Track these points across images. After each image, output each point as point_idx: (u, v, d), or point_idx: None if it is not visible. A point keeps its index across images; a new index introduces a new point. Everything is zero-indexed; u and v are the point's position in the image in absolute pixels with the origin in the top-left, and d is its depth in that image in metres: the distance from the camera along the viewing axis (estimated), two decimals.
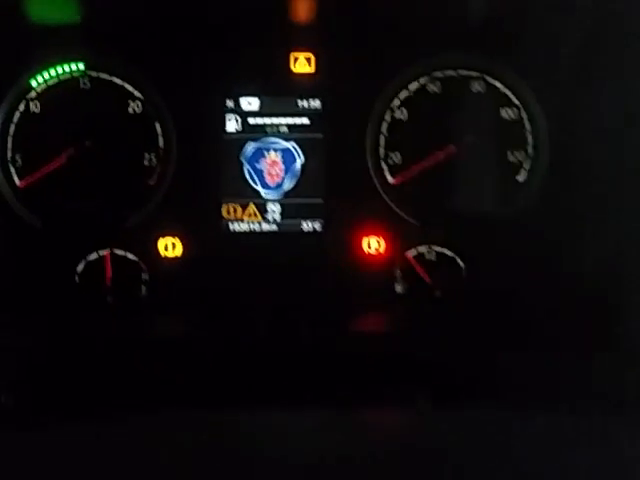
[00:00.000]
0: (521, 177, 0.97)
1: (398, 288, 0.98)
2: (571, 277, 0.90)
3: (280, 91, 0.97)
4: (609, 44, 0.87)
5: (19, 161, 0.96)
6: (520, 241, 0.96)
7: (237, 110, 0.97)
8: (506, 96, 0.97)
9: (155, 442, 0.53)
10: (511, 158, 0.97)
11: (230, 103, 0.97)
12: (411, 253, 0.98)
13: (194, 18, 0.93)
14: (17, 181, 0.96)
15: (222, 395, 0.72)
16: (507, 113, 0.97)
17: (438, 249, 0.98)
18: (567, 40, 0.91)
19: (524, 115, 0.96)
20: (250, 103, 0.97)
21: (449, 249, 0.97)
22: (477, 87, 0.97)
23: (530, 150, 0.97)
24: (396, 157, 0.98)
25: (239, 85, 0.96)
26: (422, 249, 0.98)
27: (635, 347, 0.76)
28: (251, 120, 0.97)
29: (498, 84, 0.97)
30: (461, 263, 0.97)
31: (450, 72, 0.97)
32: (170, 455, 0.50)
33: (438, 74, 0.97)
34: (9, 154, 0.96)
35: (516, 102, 0.96)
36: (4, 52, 0.94)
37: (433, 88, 0.97)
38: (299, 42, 0.96)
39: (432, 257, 0.98)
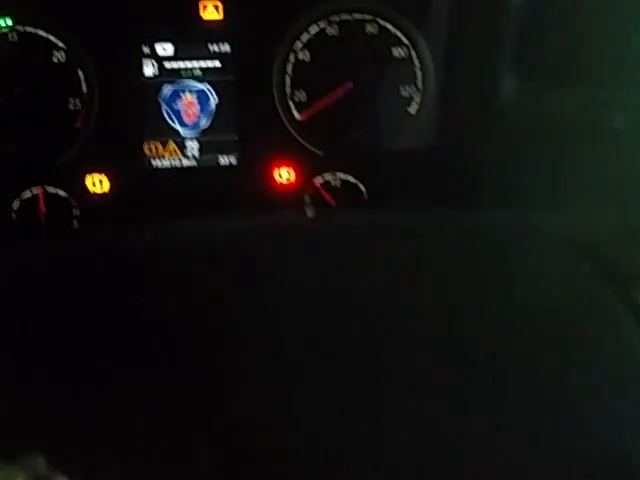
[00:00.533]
0: (412, 109, 1.09)
1: (308, 212, 1.09)
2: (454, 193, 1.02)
3: (192, 37, 1.06)
4: None
5: None
6: (413, 166, 1.08)
7: (153, 55, 1.06)
8: (396, 36, 1.08)
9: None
10: (403, 92, 1.09)
11: (146, 49, 1.05)
12: (318, 181, 1.09)
13: None
14: None
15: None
16: (398, 52, 1.08)
17: (342, 176, 1.09)
18: None
19: (413, 53, 1.08)
20: (165, 49, 1.06)
21: (352, 176, 1.09)
22: (370, 29, 1.08)
23: (420, 85, 1.09)
24: (301, 95, 1.08)
25: (154, 32, 1.05)
26: (328, 177, 1.09)
27: None
28: (167, 64, 1.06)
29: (389, 26, 1.08)
30: (362, 188, 1.09)
31: (346, 16, 1.07)
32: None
33: (335, 18, 1.07)
34: None
35: (406, 41, 1.08)
36: None
37: (331, 31, 1.07)
38: None
39: (337, 184, 1.09)
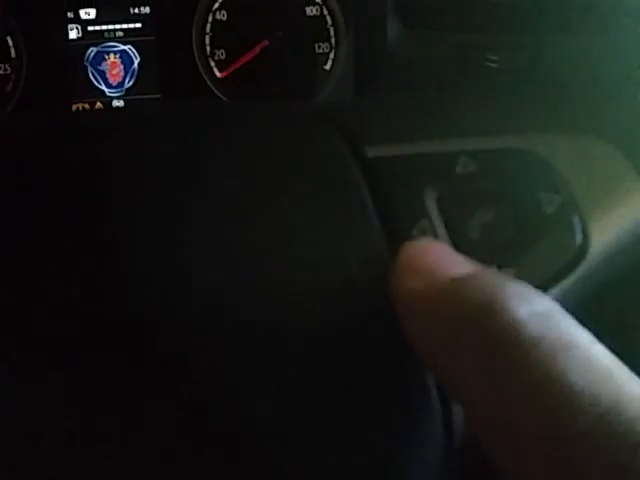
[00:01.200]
0: (327, 66, 1.16)
1: None
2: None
3: (114, 1, 1.12)
4: None
5: None
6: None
7: (77, 20, 1.12)
8: None
9: None
10: (317, 50, 1.16)
11: (70, 14, 1.11)
12: None
13: None
14: None
15: None
16: (311, 10, 1.15)
17: None
18: None
19: (325, 11, 1.14)
20: (88, 13, 1.12)
21: None
22: None
23: (332, 42, 1.15)
24: (221, 53, 1.15)
25: None
26: None
27: None
28: (90, 28, 1.12)
29: None
30: None
31: None
32: None
33: None
34: None
35: (318, 1, 1.14)
36: None
37: None
38: None
39: None
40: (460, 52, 0.93)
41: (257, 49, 1.14)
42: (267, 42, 1.13)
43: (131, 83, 1.13)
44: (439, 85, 0.95)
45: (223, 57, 1.15)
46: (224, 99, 1.14)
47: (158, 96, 1.14)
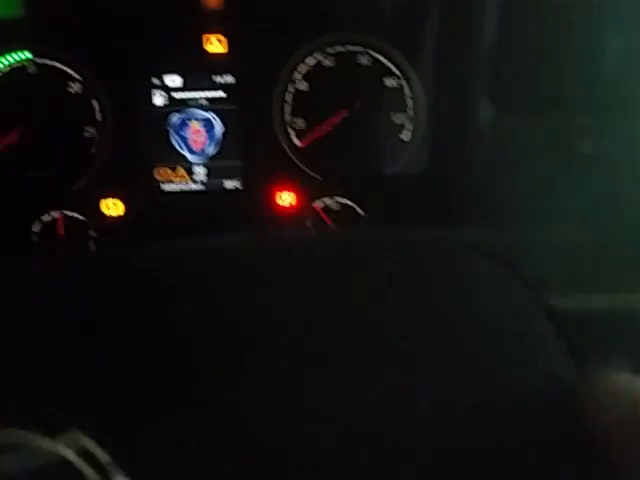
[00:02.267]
0: (405, 136, 1.17)
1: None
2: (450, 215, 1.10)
3: (198, 69, 1.14)
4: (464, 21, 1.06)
5: None
6: (408, 190, 1.16)
7: (162, 86, 1.14)
8: (388, 67, 1.15)
9: None
10: (395, 120, 1.16)
11: (156, 81, 1.14)
12: (318, 204, 1.17)
13: (118, 12, 1.10)
14: None
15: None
16: (390, 82, 1.16)
17: (341, 200, 1.17)
18: (434, 22, 1.10)
19: (404, 83, 1.15)
20: (173, 80, 1.14)
21: (350, 200, 1.17)
22: (364, 60, 1.15)
23: (411, 113, 1.16)
24: (300, 123, 1.16)
25: (163, 65, 1.13)
26: (327, 200, 1.17)
27: None
28: (175, 95, 1.14)
29: (381, 57, 1.15)
30: (360, 211, 1.17)
31: (340, 48, 1.15)
32: None
33: (330, 50, 1.14)
34: None
35: (397, 72, 1.15)
36: None
37: (327, 62, 1.15)
38: (211, 25, 1.13)
39: (336, 207, 1.17)
40: (553, 135, 0.93)
41: (336, 119, 1.15)
42: (346, 112, 1.15)
43: (213, 150, 1.15)
44: (531, 167, 0.95)
45: (302, 126, 1.17)
46: (303, 168, 1.15)
47: (239, 163, 1.15)
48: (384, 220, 1.15)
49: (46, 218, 1.12)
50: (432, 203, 1.12)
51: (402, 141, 1.16)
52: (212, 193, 1.16)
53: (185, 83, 1.14)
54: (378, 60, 1.15)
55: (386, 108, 1.16)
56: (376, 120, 1.16)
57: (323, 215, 1.16)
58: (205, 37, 1.13)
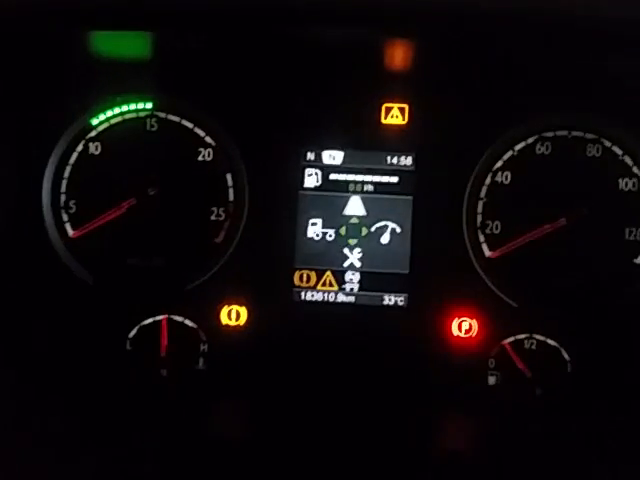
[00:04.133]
0: (639, 259, 0.85)
1: (491, 380, 0.85)
2: None
3: (368, 145, 0.86)
4: None
5: (73, 208, 0.87)
6: (638, 332, 0.84)
7: (318, 164, 0.86)
8: (625, 164, 0.85)
9: None
10: (629, 236, 0.85)
11: (311, 155, 0.86)
12: (508, 340, 0.85)
13: (275, 61, 0.84)
14: (70, 230, 0.87)
15: None
16: (626, 183, 0.85)
17: (540, 338, 0.85)
18: None
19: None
20: (333, 157, 0.86)
21: (553, 338, 0.85)
22: (592, 151, 0.85)
23: None
24: (495, 227, 0.86)
25: (322, 136, 0.86)
26: (521, 336, 0.85)
27: None
28: (332, 176, 0.87)
29: (617, 149, 0.85)
30: (566, 356, 0.84)
31: (562, 132, 0.86)
32: None
33: (548, 134, 0.86)
34: (62, 199, 0.87)
35: (636, 172, 0.84)
36: (64, 86, 0.86)
37: (542, 149, 0.86)
38: (392, 91, 0.86)
39: (532, 346, 0.85)
40: None
41: (547, 227, 0.83)
42: (564, 221, 0.83)
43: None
44: None
45: (498, 232, 0.86)
46: (492, 287, 0.84)
47: (405, 272, 0.86)
48: (598, 372, 0.83)
49: (147, 321, 0.86)
50: None
51: (635, 265, 0.85)
52: (365, 309, 0.86)
53: (347, 161, 0.86)
54: (612, 152, 0.86)
55: (620, 219, 0.86)
56: (604, 234, 0.86)
57: (513, 356, 0.84)
58: (384, 105, 0.85)
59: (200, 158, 0.87)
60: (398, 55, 0.82)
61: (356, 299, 0.87)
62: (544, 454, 0.71)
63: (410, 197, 0.86)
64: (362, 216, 0.86)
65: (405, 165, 0.86)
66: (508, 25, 0.70)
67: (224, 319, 0.86)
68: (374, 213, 0.86)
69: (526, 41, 0.73)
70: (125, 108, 0.87)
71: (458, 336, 0.86)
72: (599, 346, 0.83)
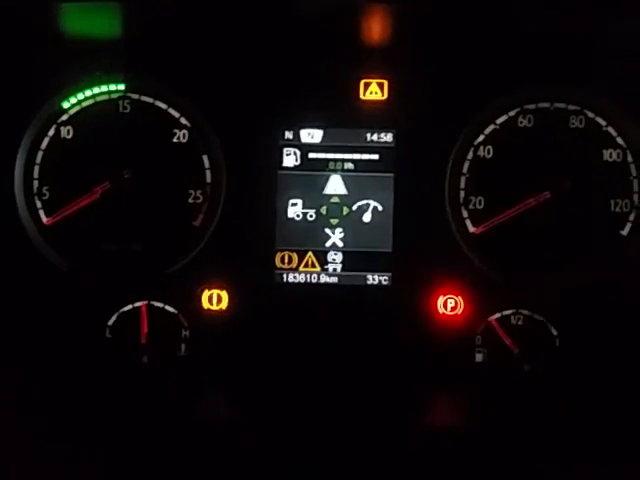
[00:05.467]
0: (625, 230, 0.84)
1: (478, 357, 0.84)
2: None
3: (347, 122, 0.84)
4: None
5: (47, 194, 0.84)
6: (627, 306, 0.83)
7: (296, 143, 0.84)
8: (609, 134, 0.84)
9: None
10: (614, 208, 0.84)
11: (289, 134, 0.84)
12: (494, 317, 0.84)
13: (250, 38, 0.82)
14: (44, 217, 0.84)
15: None
16: (610, 154, 0.84)
17: (526, 313, 0.84)
18: None
19: (630, 158, 0.83)
20: (311, 135, 0.84)
21: (540, 313, 0.84)
22: (575, 122, 0.84)
23: (636, 199, 0.83)
24: (479, 202, 0.85)
25: (299, 114, 0.84)
26: (507, 312, 0.84)
27: None
28: (312, 155, 0.85)
29: (600, 120, 0.84)
30: (554, 331, 0.83)
31: (544, 104, 0.84)
32: None
33: (530, 106, 0.84)
34: (35, 186, 0.84)
35: (621, 142, 0.83)
36: (32, 69, 0.83)
37: (524, 122, 0.84)
38: (370, 66, 0.84)
39: (519, 322, 0.84)
40: None
41: (531, 201, 0.82)
42: (548, 194, 0.82)
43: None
44: None
45: (481, 207, 0.84)
46: (477, 264, 0.83)
47: (388, 250, 0.85)
48: (586, 347, 0.82)
49: (125, 308, 0.84)
50: None
51: (620, 237, 0.84)
52: (348, 289, 0.85)
53: (326, 139, 0.84)
54: (596, 124, 0.85)
55: (604, 191, 0.85)
56: (589, 207, 0.85)
57: (500, 332, 0.83)
58: (362, 80, 0.83)
59: (175, 140, 0.84)
60: (376, 26, 0.79)
61: (339, 279, 0.85)
62: (532, 430, 0.70)
63: (391, 174, 0.84)
64: (343, 195, 0.84)
65: (385, 142, 0.84)
66: None
67: (205, 303, 0.84)
68: (355, 191, 0.85)
69: (508, 8, 0.72)
70: (97, 90, 0.85)
71: (444, 314, 0.84)
72: (586, 320, 0.82)
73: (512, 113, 0.84)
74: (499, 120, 0.84)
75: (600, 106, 0.83)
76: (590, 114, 0.84)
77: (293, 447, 0.71)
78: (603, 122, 0.84)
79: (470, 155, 0.84)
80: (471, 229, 0.85)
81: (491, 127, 0.84)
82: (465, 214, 0.85)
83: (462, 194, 0.85)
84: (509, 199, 0.84)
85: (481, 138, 0.84)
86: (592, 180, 0.84)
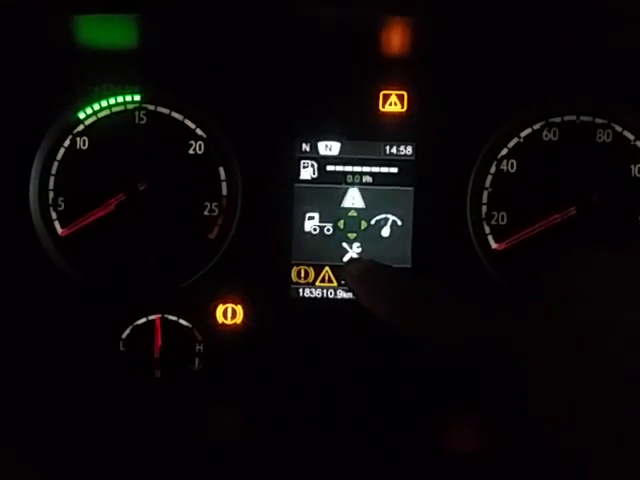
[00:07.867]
0: None
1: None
2: None
3: (365, 134, 0.81)
4: None
5: (62, 205, 0.83)
6: None
7: (313, 155, 0.82)
8: (638, 149, 0.81)
9: None
10: None
11: (306, 147, 0.82)
12: None
13: (268, 49, 0.80)
14: (59, 228, 0.83)
15: None
16: (639, 169, 0.81)
17: None
18: None
19: None
20: (329, 147, 0.82)
21: None
22: (602, 136, 0.81)
23: None
24: (501, 218, 0.82)
25: (317, 126, 0.81)
26: None
27: None
28: (329, 167, 0.82)
29: (628, 134, 0.81)
30: None
31: (570, 117, 0.81)
32: None
33: (556, 119, 0.81)
34: (51, 196, 0.83)
35: None
36: (47, 79, 0.81)
37: (549, 135, 0.82)
38: (389, 78, 0.81)
39: None
40: None
41: (556, 217, 0.80)
42: (573, 210, 0.80)
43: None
44: None
45: (504, 223, 0.82)
46: (499, 281, 0.81)
47: (407, 267, 0.83)
48: None
49: (140, 321, 0.82)
50: None
51: None
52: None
53: (344, 152, 0.82)
54: (624, 137, 0.82)
55: (632, 208, 0.81)
56: (615, 225, 0.81)
57: None
58: (381, 92, 0.81)
59: (191, 151, 0.83)
60: (396, 38, 0.77)
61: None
62: None
63: (411, 188, 0.82)
64: (361, 209, 0.82)
65: (405, 155, 0.82)
66: (514, 3, 0.66)
67: (220, 318, 0.82)
68: (373, 205, 0.82)
69: (532, 20, 0.70)
70: (113, 101, 0.84)
71: None
72: None
73: (537, 126, 0.81)
74: (523, 133, 0.81)
75: (628, 119, 0.81)
76: (618, 128, 0.81)
77: (308, 465, 0.69)
78: (631, 136, 0.81)
79: (493, 169, 0.82)
80: (493, 245, 0.82)
81: (515, 140, 0.81)
82: (487, 230, 0.82)
83: (484, 209, 0.82)
84: (533, 215, 0.81)
85: (504, 152, 0.82)
86: (619, 196, 0.81)
